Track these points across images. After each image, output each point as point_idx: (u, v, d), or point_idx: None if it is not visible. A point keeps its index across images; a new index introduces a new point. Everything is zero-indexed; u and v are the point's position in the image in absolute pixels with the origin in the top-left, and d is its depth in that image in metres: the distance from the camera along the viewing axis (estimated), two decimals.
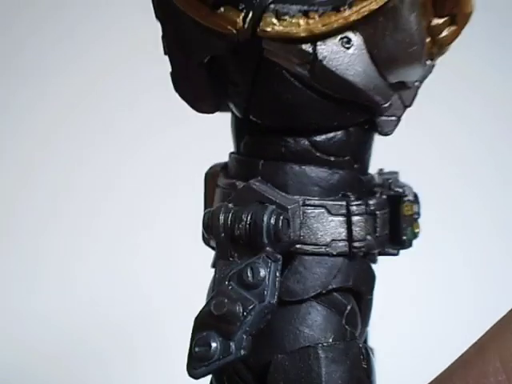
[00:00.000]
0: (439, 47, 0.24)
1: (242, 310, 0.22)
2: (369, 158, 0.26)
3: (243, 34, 0.22)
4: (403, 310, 0.56)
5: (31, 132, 0.65)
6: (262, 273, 0.22)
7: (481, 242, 0.62)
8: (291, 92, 0.23)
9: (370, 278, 0.25)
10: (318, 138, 0.24)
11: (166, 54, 0.25)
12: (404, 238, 0.25)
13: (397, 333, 0.54)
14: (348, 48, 0.22)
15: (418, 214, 0.26)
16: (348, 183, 0.24)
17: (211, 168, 0.27)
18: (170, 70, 0.25)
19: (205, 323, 0.22)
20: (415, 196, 0.26)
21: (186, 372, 0.22)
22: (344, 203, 0.24)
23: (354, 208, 0.24)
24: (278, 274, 0.22)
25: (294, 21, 0.21)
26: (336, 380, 0.23)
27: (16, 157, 0.65)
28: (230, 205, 0.23)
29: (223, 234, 0.23)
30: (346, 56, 0.22)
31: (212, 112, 0.25)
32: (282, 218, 0.22)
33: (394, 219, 0.25)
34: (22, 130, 0.65)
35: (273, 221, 0.22)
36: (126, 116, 0.64)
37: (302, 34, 0.21)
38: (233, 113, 0.25)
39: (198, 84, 0.24)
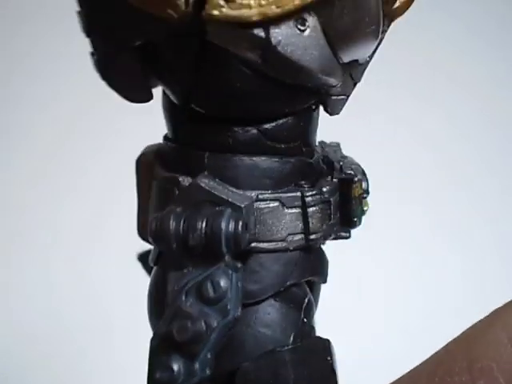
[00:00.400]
0: (390, 19, 0.23)
1: (205, 329, 0.20)
2: (315, 138, 0.24)
3: (185, 18, 0.19)
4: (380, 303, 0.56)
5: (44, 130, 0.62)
6: (224, 285, 0.20)
7: (467, 239, 0.61)
8: (240, 79, 0.20)
9: (325, 265, 0.24)
10: (268, 126, 0.22)
11: (84, 33, 0.22)
12: (355, 219, 0.24)
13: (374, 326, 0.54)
14: (303, 31, 0.20)
15: (367, 191, 0.25)
16: (299, 171, 0.23)
17: (143, 155, 0.25)
18: (90, 50, 0.22)
19: (165, 347, 0.20)
20: (363, 173, 0.25)
21: None
22: (299, 194, 0.22)
23: (310, 199, 0.22)
24: (239, 285, 0.21)
25: (244, 2, 0.19)
26: (305, 379, 0.22)
27: (26, 157, 0.63)
28: (179, 209, 0.21)
29: (175, 244, 0.20)
30: (301, 40, 0.20)
31: (147, 100, 0.22)
32: (240, 222, 0.20)
33: (344, 202, 0.24)
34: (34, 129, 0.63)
35: (231, 227, 0.20)
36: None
37: (254, 18, 0.19)
38: (166, 95, 0.23)
39: (129, 70, 0.21)
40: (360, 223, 0.25)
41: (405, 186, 0.56)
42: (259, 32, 0.19)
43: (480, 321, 0.20)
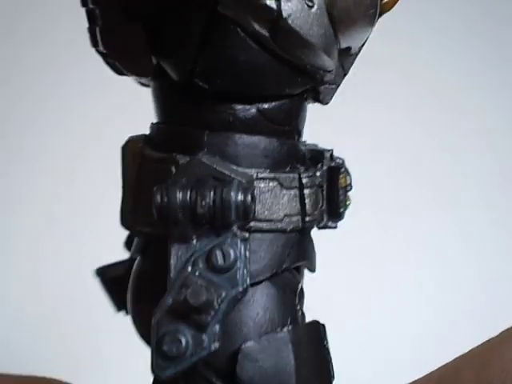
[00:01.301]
0: (380, 12, 0.24)
1: (215, 298, 0.19)
2: (303, 129, 0.25)
3: None
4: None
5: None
6: (233, 254, 0.20)
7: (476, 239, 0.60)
8: (246, 54, 0.21)
9: (314, 253, 0.24)
10: (267, 106, 0.22)
11: (84, 6, 0.22)
12: (341, 209, 0.25)
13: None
14: (311, 7, 0.20)
15: (350, 185, 0.25)
16: (295, 154, 0.23)
17: (128, 141, 0.24)
18: (88, 25, 0.22)
19: (171, 318, 0.19)
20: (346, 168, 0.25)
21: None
22: (296, 175, 0.22)
23: (306, 180, 0.23)
24: (247, 255, 0.20)
25: None
26: (305, 361, 0.21)
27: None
28: (184, 180, 0.20)
29: (181, 214, 0.20)
30: (309, 15, 0.20)
31: (147, 74, 0.22)
32: (249, 192, 0.20)
33: (331, 191, 0.24)
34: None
35: (241, 196, 0.20)
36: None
37: None
38: (160, 79, 0.23)
39: (134, 42, 0.21)
40: (343, 217, 0.25)
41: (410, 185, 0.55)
42: (271, 3, 0.20)
43: (489, 339, 0.20)
